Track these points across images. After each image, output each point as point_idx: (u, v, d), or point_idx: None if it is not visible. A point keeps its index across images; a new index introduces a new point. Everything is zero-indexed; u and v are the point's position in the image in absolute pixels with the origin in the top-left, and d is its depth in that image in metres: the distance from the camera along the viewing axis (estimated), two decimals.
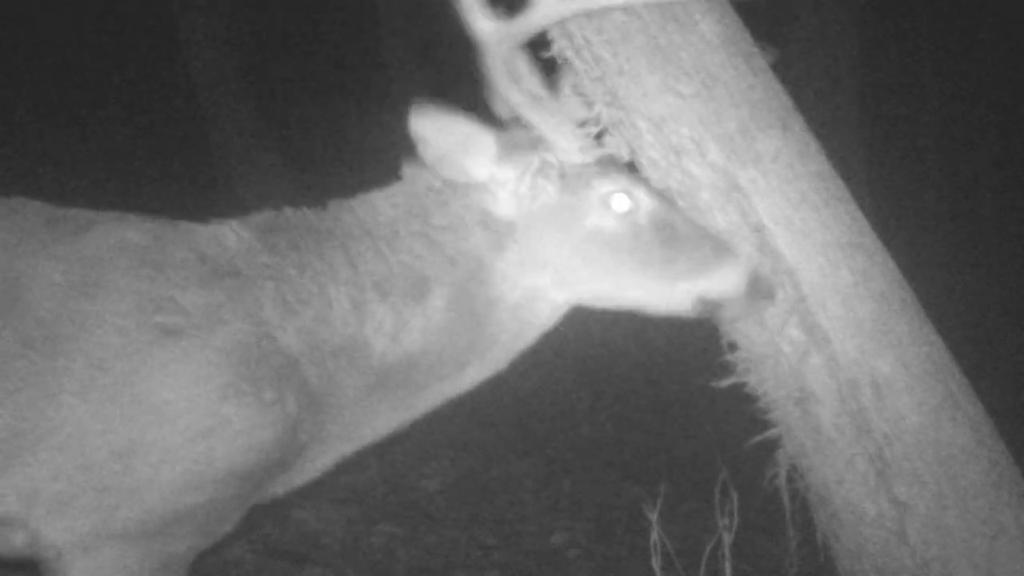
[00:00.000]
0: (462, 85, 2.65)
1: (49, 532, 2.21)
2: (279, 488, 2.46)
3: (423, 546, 4.47)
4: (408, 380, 2.42)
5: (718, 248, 2.38)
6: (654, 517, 2.78)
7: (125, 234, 2.32)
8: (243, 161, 8.18)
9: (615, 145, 2.44)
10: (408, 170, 2.46)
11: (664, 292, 2.41)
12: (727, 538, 2.78)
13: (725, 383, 2.56)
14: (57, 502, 2.19)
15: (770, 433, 2.57)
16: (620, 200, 2.38)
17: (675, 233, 2.38)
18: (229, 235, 2.38)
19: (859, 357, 2.40)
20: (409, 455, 5.05)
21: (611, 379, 6.65)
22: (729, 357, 2.55)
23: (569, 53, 2.40)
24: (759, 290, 2.38)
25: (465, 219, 2.41)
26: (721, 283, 2.38)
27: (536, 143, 2.39)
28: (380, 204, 2.45)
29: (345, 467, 2.51)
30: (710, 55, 2.34)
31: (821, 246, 2.40)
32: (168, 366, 2.20)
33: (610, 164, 2.43)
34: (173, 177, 9.52)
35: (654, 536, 2.80)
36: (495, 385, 2.57)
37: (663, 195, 2.42)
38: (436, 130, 2.32)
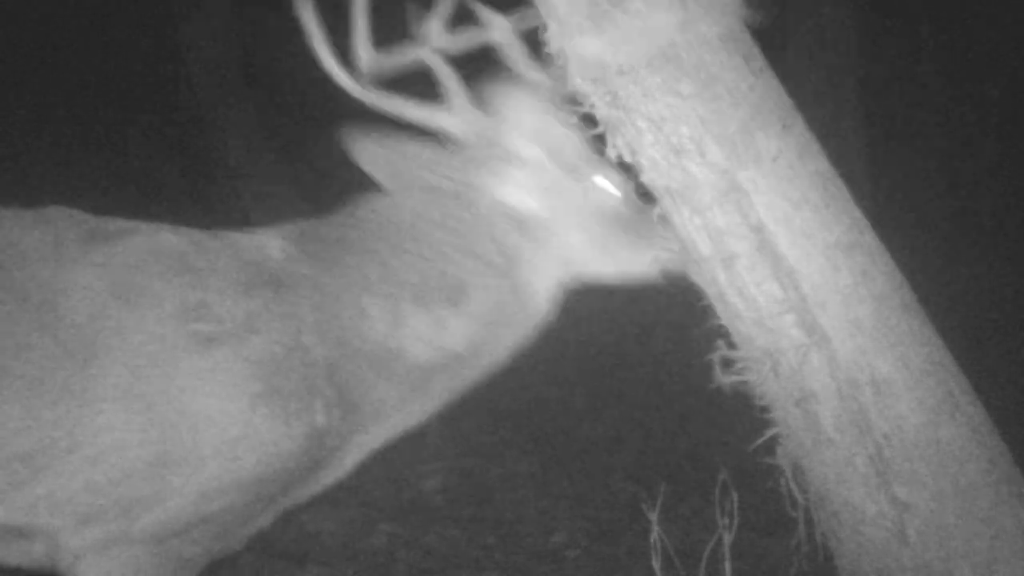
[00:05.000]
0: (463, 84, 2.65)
1: (72, 541, 2.19)
2: (314, 487, 2.47)
3: (423, 546, 4.47)
4: (452, 375, 2.46)
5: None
6: (654, 517, 2.78)
7: (164, 239, 2.30)
8: (243, 163, 8.18)
9: (615, 147, 2.45)
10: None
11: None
12: (727, 538, 2.78)
13: (725, 383, 2.56)
14: (85, 512, 2.16)
15: (770, 433, 2.57)
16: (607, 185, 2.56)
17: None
18: (272, 245, 2.38)
19: (859, 357, 2.40)
20: (409, 455, 5.05)
21: (611, 379, 6.65)
22: (729, 357, 2.55)
23: None
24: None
25: (498, 221, 2.47)
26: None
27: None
28: (402, 203, 2.47)
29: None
30: (710, 55, 2.34)
31: (821, 246, 2.40)
32: (202, 375, 2.19)
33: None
34: (173, 178, 9.52)
35: (654, 536, 2.80)
36: (496, 386, 2.57)
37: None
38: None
